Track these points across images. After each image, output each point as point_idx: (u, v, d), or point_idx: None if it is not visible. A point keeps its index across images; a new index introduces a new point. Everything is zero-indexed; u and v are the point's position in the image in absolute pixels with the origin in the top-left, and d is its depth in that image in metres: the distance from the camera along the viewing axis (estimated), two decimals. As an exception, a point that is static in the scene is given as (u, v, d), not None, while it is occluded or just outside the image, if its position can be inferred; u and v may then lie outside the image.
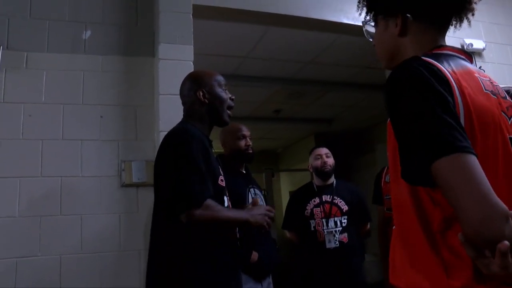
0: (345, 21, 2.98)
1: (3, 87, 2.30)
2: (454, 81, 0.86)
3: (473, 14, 1.04)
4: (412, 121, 0.81)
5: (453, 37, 3.20)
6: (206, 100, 1.80)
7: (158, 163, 1.72)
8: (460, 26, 1.07)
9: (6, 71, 2.31)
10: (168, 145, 1.68)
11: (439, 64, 0.88)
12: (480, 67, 3.32)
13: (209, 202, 1.55)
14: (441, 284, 0.84)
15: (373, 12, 1.11)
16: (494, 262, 0.71)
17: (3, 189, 2.19)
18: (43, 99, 2.35)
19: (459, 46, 3.31)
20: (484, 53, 3.44)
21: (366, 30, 1.17)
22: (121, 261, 2.29)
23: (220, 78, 1.88)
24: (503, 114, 0.93)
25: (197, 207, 1.52)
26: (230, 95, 1.88)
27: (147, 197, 2.25)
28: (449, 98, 0.82)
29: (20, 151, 2.25)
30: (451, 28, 1.08)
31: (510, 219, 0.72)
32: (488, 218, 0.71)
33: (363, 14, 1.14)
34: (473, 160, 0.76)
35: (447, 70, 0.88)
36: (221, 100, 1.83)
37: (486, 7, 3.57)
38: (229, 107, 1.87)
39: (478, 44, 3.38)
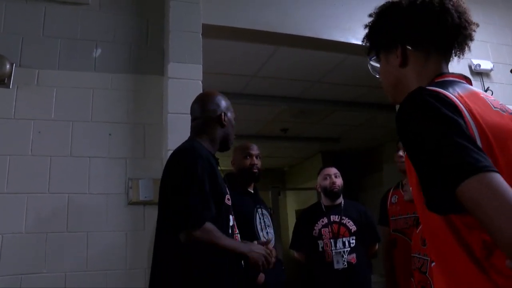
0: (354, 41, 2.99)
1: (14, 103, 2.32)
2: (462, 104, 0.87)
3: (471, 40, 1.05)
4: (429, 151, 0.81)
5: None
6: (225, 123, 1.83)
7: (164, 180, 1.72)
8: (463, 54, 1.09)
9: (17, 88, 2.34)
10: (174, 163, 1.69)
11: (444, 91, 0.89)
12: (488, 88, 3.31)
13: (209, 226, 1.55)
14: None
15: (375, 49, 1.15)
16: None
17: (11, 205, 2.19)
18: (52, 116, 2.37)
19: (467, 67, 3.34)
20: (492, 73, 3.43)
21: (372, 67, 1.21)
22: (127, 279, 2.27)
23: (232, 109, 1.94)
24: None
25: (196, 228, 1.52)
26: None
27: (154, 215, 2.23)
28: (461, 122, 0.82)
29: (28, 167, 2.26)
30: (455, 58, 1.10)
31: None
32: None
33: (368, 52, 1.18)
34: (498, 177, 0.74)
35: (453, 95, 0.88)
36: (233, 129, 1.90)
37: (494, 28, 3.58)
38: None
39: (486, 64, 3.38)
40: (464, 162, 0.76)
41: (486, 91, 3.31)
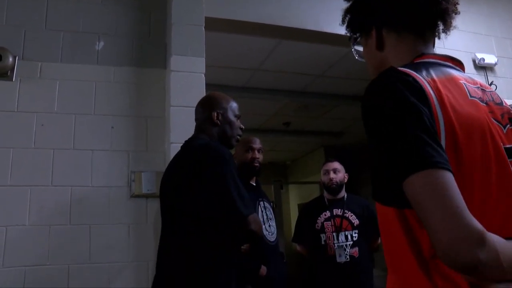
0: (357, 34, 2.97)
1: (17, 96, 2.32)
2: (433, 89, 0.81)
3: (454, 13, 0.98)
4: (383, 138, 0.77)
5: (465, 51, 3.19)
6: (218, 122, 1.86)
7: (200, 174, 1.65)
8: (448, 30, 1.01)
9: (20, 81, 2.34)
10: (214, 159, 1.65)
11: (415, 73, 0.83)
12: (492, 82, 3.29)
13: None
14: None
15: (354, 33, 1.10)
16: None
17: (14, 197, 2.20)
18: (55, 108, 2.37)
19: (471, 61, 3.31)
20: (496, 67, 3.41)
21: (356, 52, 1.15)
22: (130, 272, 2.28)
23: (236, 106, 1.96)
24: (495, 122, 0.86)
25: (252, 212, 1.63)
26: (240, 125, 1.95)
27: (156, 208, 2.25)
28: (425, 110, 0.76)
29: (31, 160, 2.27)
30: (442, 34, 1.03)
31: (488, 241, 0.65)
32: (457, 240, 0.65)
33: (350, 36, 1.12)
34: (447, 176, 0.70)
35: (424, 79, 0.82)
36: (231, 126, 1.90)
37: (498, 21, 3.55)
38: (238, 135, 1.94)
39: (490, 58, 3.35)
40: (415, 155, 0.72)
41: (490, 85, 3.28)
